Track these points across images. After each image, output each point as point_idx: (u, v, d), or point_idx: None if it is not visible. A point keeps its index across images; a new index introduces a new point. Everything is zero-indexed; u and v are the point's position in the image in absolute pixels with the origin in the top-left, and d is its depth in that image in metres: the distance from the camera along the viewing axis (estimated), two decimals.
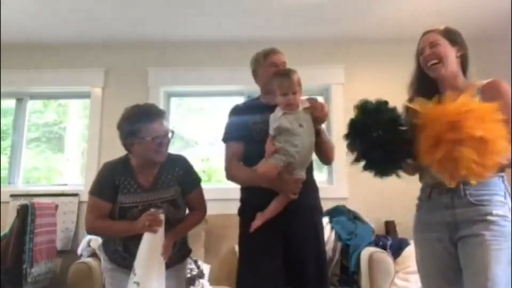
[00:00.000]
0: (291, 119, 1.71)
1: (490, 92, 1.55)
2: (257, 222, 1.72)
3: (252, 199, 1.86)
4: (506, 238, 1.44)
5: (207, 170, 3.77)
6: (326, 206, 3.29)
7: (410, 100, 1.68)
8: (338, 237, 3.02)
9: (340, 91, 3.73)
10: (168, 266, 1.77)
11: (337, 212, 3.24)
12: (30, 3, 3.11)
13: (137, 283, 1.64)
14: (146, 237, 1.72)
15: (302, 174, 1.76)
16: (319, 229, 1.90)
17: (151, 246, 1.71)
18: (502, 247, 1.42)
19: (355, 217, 3.20)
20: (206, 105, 4.01)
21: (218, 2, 3.15)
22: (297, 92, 1.74)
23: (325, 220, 3.15)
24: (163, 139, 1.82)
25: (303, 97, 1.81)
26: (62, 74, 3.75)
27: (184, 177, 1.91)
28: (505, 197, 1.51)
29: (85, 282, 2.62)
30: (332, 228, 3.09)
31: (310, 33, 3.65)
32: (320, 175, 3.74)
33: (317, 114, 1.77)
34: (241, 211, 1.93)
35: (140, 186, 1.84)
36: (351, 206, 3.35)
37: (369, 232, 3.08)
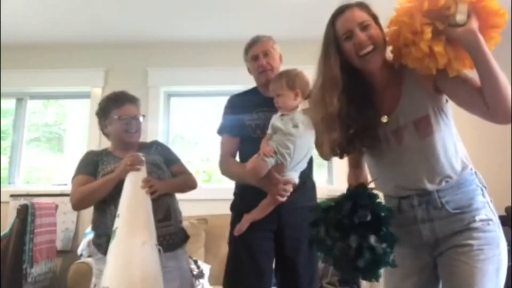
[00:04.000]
0: (286, 119, 1.70)
1: None
2: (242, 226, 1.70)
3: (245, 194, 1.83)
4: (491, 245, 1.22)
5: (207, 170, 3.76)
6: None
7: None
8: None
9: None
10: (166, 250, 1.75)
11: None
12: (30, 3, 3.11)
13: (118, 215, 1.67)
14: (129, 177, 1.75)
15: (294, 176, 1.71)
16: None
17: (133, 183, 1.73)
18: (487, 256, 1.21)
19: None
20: (206, 105, 4.01)
21: (218, 2, 3.15)
22: (282, 94, 1.74)
23: None
24: (131, 120, 1.94)
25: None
26: (62, 74, 3.75)
27: (164, 152, 2.04)
28: (483, 195, 1.29)
29: (85, 282, 2.62)
30: None
31: (310, 33, 3.63)
32: (320, 175, 3.74)
33: None
34: (233, 206, 1.90)
35: (120, 159, 1.88)
36: None
37: None
